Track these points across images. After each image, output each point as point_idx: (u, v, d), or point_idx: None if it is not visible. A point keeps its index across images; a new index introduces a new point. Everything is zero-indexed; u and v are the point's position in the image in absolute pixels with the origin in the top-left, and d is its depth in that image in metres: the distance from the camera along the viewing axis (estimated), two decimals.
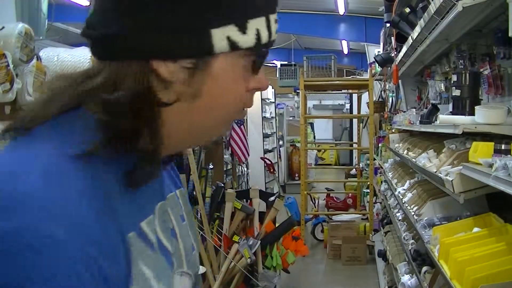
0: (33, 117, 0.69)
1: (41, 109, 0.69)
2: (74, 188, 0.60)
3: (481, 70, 2.75)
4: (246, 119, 7.33)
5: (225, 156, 5.81)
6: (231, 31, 0.68)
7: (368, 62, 9.67)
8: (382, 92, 7.93)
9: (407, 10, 3.78)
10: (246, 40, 0.69)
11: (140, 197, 0.72)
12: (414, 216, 2.88)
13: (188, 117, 0.72)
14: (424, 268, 2.77)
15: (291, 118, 13.16)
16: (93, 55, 0.72)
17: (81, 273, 0.56)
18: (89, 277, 0.57)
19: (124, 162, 0.67)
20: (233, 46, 0.69)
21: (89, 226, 0.59)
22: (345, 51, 14.59)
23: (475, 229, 2.20)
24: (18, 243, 0.54)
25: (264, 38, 0.71)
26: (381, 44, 6.97)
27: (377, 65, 6.51)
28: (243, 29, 0.69)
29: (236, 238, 4.21)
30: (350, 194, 8.32)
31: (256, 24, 0.70)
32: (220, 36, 0.68)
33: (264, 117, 9.61)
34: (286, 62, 11.38)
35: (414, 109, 4.57)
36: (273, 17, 0.73)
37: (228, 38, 0.68)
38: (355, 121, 10.34)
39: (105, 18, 0.69)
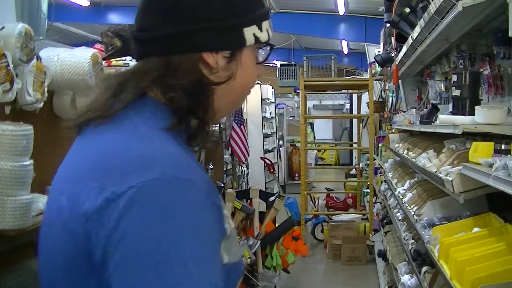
0: (105, 109, 0.89)
1: (109, 102, 0.90)
2: (178, 149, 0.85)
3: (481, 70, 2.75)
4: (246, 119, 7.33)
5: (225, 156, 5.81)
6: (255, 29, 0.94)
7: (368, 62, 9.67)
8: (382, 92, 7.93)
9: (407, 10, 3.78)
10: (263, 36, 0.96)
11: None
12: (414, 216, 2.88)
13: (226, 93, 0.95)
14: (424, 268, 2.77)
15: (291, 118, 13.16)
16: (145, 53, 0.93)
17: (209, 202, 0.82)
18: (212, 204, 0.82)
19: (187, 131, 0.92)
20: (257, 40, 0.95)
21: (201, 171, 0.86)
22: (345, 51, 14.58)
23: (475, 229, 2.20)
24: (166, 189, 0.76)
25: (271, 35, 0.98)
26: (381, 44, 6.97)
27: (377, 65, 6.51)
28: (260, 28, 0.95)
29: None
30: (350, 194, 8.32)
31: (266, 25, 0.96)
32: (249, 33, 0.94)
33: (264, 117, 9.62)
34: (286, 62, 11.39)
35: (414, 109, 4.57)
36: (270, 22, 0.99)
37: (254, 35, 0.94)
38: (355, 121, 10.34)
39: (164, 22, 0.90)
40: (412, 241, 3.27)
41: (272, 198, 4.69)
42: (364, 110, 8.39)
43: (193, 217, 0.78)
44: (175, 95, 0.88)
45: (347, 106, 15.35)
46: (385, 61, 5.57)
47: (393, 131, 5.42)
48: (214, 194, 0.85)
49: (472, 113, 2.33)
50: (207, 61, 0.91)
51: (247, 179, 7.14)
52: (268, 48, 0.99)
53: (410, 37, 3.68)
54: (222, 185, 4.59)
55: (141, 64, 0.94)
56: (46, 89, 2.63)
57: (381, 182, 6.04)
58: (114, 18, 11.71)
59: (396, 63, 4.82)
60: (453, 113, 2.62)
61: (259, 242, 4.24)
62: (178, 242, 0.74)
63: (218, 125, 6.36)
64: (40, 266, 0.95)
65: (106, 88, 0.94)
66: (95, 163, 0.83)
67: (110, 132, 0.87)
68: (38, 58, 2.63)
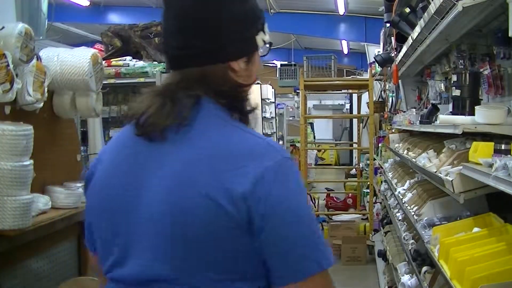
0: (178, 116, 1.08)
1: (175, 109, 1.09)
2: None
3: (481, 70, 2.75)
4: None
5: None
6: (262, 34, 1.19)
7: (368, 62, 9.67)
8: (382, 92, 7.93)
9: (407, 10, 3.78)
10: (267, 38, 1.20)
11: None
12: (414, 216, 2.88)
13: (248, 87, 1.21)
14: (424, 268, 2.77)
15: (291, 118, 13.16)
16: (182, 65, 1.14)
17: None
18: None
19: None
20: (264, 43, 1.19)
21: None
22: (345, 51, 14.58)
23: (475, 229, 2.20)
24: (289, 165, 1.07)
25: (270, 37, 1.22)
26: (381, 44, 6.97)
27: (377, 65, 6.51)
28: (264, 32, 1.20)
29: None
30: (350, 194, 8.32)
31: (266, 29, 1.21)
32: (259, 39, 1.18)
33: (264, 117, 9.61)
34: (286, 62, 11.39)
35: (414, 109, 4.57)
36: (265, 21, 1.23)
37: (262, 39, 1.19)
38: (355, 121, 10.34)
39: (199, 40, 1.12)
40: (412, 241, 3.26)
41: None
42: (364, 110, 8.39)
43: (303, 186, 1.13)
44: (226, 97, 1.13)
45: (347, 106, 15.36)
46: (385, 61, 5.57)
47: (393, 131, 5.42)
48: None
49: (472, 113, 2.33)
50: (233, 67, 1.14)
51: None
52: (268, 45, 1.23)
53: (410, 37, 3.68)
54: None
55: (179, 75, 1.14)
56: (46, 89, 2.63)
57: (381, 182, 6.04)
58: (114, 18, 11.71)
59: (396, 63, 4.82)
60: (453, 113, 2.62)
61: None
62: (305, 203, 1.09)
63: None
64: (171, 239, 1.05)
65: (154, 98, 1.12)
66: (227, 157, 1.05)
67: (210, 131, 1.09)
68: (38, 58, 2.63)
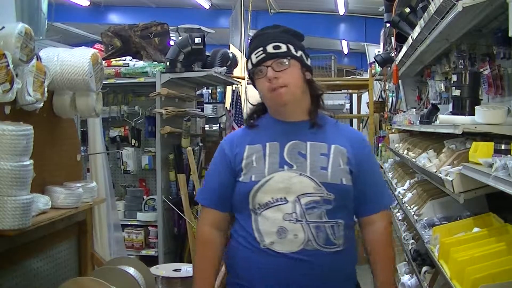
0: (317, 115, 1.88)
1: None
2: None
3: (481, 70, 2.75)
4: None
5: None
6: (249, 63, 1.85)
7: (368, 62, 9.67)
8: (382, 92, 7.92)
9: (407, 10, 3.78)
10: (249, 65, 1.89)
11: (276, 135, 1.81)
12: (414, 216, 2.88)
13: None
14: (424, 268, 2.77)
15: None
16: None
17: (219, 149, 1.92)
18: (219, 151, 1.92)
19: None
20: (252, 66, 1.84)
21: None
22: (345, 51, 14.59)
23: (475, 229, 2.20)
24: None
25: None
26: (381, 44, 6.96)
27: (377, 65, 6.50)
28: (249, 61, 1.87)
29: None
30: None
31: (251, 57, 1.86)
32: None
33: None
34: None
35: (414, 109, 4.56)
36: None
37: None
38: (355, 121, 10.33)
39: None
40: (412, 241, 3.27)
41: None
42: (364, 110, 8.39)
43: None
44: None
45: (347, 106, 15.32)
46: (385, 61, 5.57)
47: (393, 131, 5.42)
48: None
49: (472, 113, 2.33)
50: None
51: None
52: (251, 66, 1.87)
53: (410, 37, 3.68)
54: None
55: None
56: (46, 89, 2.63)
57: None
58: (114, 18, 11.72)
59: (396, 63, 4.82)
60: (453, 113, 2.61)
61: None
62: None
63: (218, 125, 6.42)
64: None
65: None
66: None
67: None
68: (38, 58, 2.63)
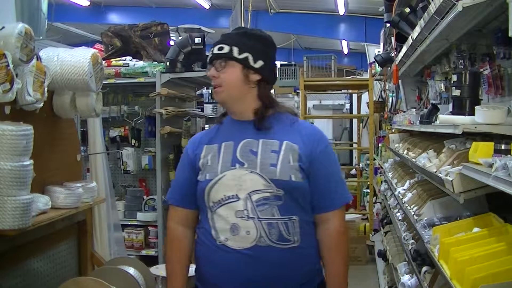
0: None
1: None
2: None
3: (481, 70, 2.75)
4: None
5: None
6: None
7: (368, 62, 9.67)
8: (382, 92, 7.92)
9: (407, 10, 3.77)
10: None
11: (233, 134, 1.88)
12: (414, 216, 2.88)
13: None
14: (424, 268, 2.77)
15: None
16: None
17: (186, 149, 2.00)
18: (184, 151, 2.01)
19: None
20: None
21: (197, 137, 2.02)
22: (345, 51, 14.58)
23: (475, 229, 2.20)
24: None
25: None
26: (381, 44, 6.96)
27: (377, 65, 6.50)
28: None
29: None
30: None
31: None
32: None
33: None
34: (286, 62, 11.37)
35: (414, 109, 4.56)
36: None
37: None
38: (355, 121, 10.34)
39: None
40: (412, 241, 3.26)
41: None
42: (364, 110, 8.39)
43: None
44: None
45: (347, 106, 15.32)
46: (385, 61, 5.57)
47: (393, 131, 5.42)
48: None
49: (472, 113, 2.33)
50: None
51: None
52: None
53: (410, 37, 3.68)
54: None
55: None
56: (46, 89, 2.63)
57: (381, 182, 6.04)
58: (114, 18, 11.71)
59: (396, 63, 4.82)
60: (453, 113, 2.61)
61: None
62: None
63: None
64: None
65: None
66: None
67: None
68: (38, 58, 2.63)
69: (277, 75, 2.08)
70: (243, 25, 7.11)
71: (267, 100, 1.90)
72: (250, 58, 1.86)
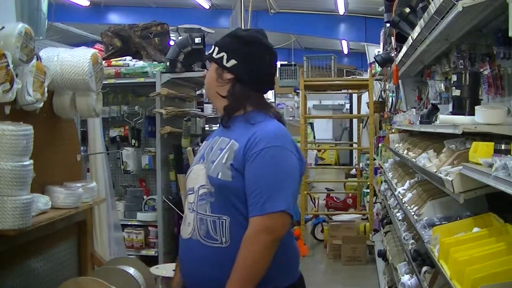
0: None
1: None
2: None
3: (481, 70, 2.75)
4: None
5: None
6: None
7: (368, 62, 9.67)
8: (382, 92, 7.92)
9: (407, 10, 3.78)
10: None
11: (216, 131, 1.99)
12: (414, 216, 2.88)
13: None
14: (424, 268, 2.77)
15: (291, 118, 13.11)
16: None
17: None
18: None
19: None
20: None
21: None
22: (345, 51, 14.59)
23: (475, 229, 2.20)
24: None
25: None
26: (381, 44, 6.97)
27: (377, 65, 6.50)
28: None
29: None
30: (350, 194, 8.32)
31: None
32: None
33: None
34: (286, 62, 11.36)
35: (414, 109, 4.56)
36: None
37: None
38: (355, 121, 10.34)
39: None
40: (412, 241, 3.26)
41: None
42: (364, 110, 8.39)
43: None
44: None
45: (347, 106, 15.35)
46: (385, 61, 5.57)
47: (393, 131, 5.42)
48: None
49: (472, 113, 2.33)
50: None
51: None
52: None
53: (410, 37, 3.68)
54: None
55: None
56: (46, 89, 2.63)
57: (381, 182, 6.04)
58: (114, 18, 11.71)
59: (396, 63, 4.82)
60: (453, 113, 2.62)
61: None
62: None
63: (218, 125, 6.41)
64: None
65: None
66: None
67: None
68: (38, 58, 2.63)
69: (277, 75, 2.08)
70: (243, 25, 7.11)
71: (234, 99, 1.89)
72: (224, 57, 1.90)
